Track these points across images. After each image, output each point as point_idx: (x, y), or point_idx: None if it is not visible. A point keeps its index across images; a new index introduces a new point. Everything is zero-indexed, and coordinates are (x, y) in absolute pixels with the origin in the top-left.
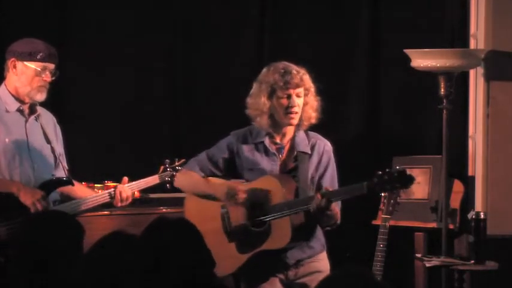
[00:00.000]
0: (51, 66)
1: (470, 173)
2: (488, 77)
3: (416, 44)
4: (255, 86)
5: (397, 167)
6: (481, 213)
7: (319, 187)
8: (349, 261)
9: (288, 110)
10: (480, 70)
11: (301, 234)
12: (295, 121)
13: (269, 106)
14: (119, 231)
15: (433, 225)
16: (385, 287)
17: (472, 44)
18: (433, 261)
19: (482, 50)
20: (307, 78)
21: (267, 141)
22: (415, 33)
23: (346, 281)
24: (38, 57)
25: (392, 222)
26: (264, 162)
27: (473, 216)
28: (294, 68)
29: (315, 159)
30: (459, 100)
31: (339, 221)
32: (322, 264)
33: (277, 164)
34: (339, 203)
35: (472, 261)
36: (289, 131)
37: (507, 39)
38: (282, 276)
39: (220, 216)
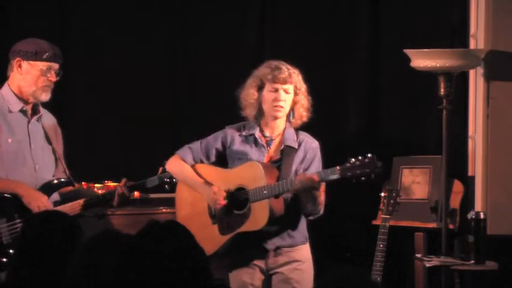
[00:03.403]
0: (56, 66)
1: (470, 173)
2: (488, 77)
3: (417, 44)
4: (248, 79)
5: (369, 155)
6: (481, 213)
7: None
8: (349, 261)
9: (274, 103)
10: (480, 70)
11: (280, 219)
12: (280, 114)
13: (256, 98)
14: (108, 231)
15: (433, 225)
16: (380, 286)
17: (472, 44)
18: (433, 261)
19: (482, 50)
20: (297, 77)
21: (257, 133)
22: (415, 33)
23: (341, 280)
24: (44, 56)
25: (392, 222)
26: (253, 152)
27: (473, 216)
28: (285, 66)
29: (300, 154)
30: (459, 100)
31: (321, 212)
32: (301, 253)
33: (264, 154)
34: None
35: (472, 261)
36: (278, 125)
37: (507, 39)
38: (261, 264)
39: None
